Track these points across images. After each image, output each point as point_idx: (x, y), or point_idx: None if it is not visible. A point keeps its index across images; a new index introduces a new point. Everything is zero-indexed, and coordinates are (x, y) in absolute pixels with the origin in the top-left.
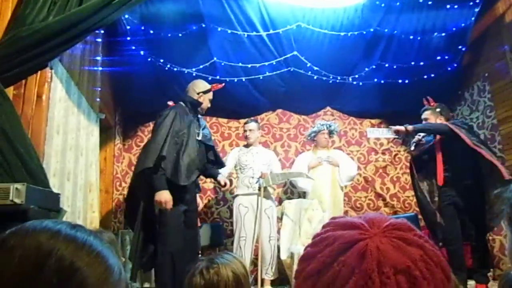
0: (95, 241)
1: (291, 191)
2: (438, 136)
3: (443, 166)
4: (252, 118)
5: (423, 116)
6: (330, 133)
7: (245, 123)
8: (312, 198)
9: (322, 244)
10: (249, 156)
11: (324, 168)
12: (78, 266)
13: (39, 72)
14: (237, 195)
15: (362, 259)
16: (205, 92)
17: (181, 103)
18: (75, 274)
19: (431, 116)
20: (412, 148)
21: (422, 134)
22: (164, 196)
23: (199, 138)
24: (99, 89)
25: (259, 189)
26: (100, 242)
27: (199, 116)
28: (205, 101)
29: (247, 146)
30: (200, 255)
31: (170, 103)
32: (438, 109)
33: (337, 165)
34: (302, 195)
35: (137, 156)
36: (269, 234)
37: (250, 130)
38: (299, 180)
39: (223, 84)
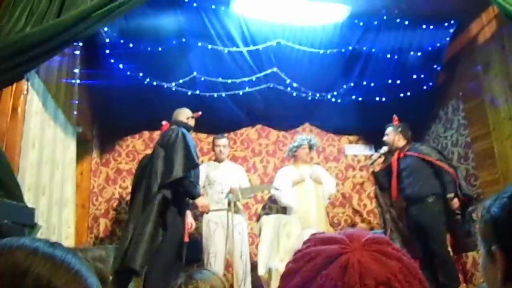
0: (74, 259)
1: (269, 207)
2: (396, 154)
3: (398, 183)
4: (224, 134)
5: (385, 132)
6: (310, 147)
7: (216, 138)
8: (298, 214)
9: (304, 259)
10: (218, 172)
11: (307, 185)
12: (56, 285)
13: (14, 84)
14: None
15: (345, 272)
16: (192, 117)
17: (183, 127)
18: None
19: (392, 133)
20: (371, 165)
21: (381, 152)
22: (206, 202)
23: None
24: (77, 102)
25: (229, 204)
26: (78, 260)
27: None
28: (193, 124)
29: (216, 161)
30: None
31: (164, 123)
32: (399, 128)
33: (320, 182)
34: (281, 210)
35: (116, 169)
36: (241, 250)
37: (223, 146)
38: (282, 196)
39: (200, 113)
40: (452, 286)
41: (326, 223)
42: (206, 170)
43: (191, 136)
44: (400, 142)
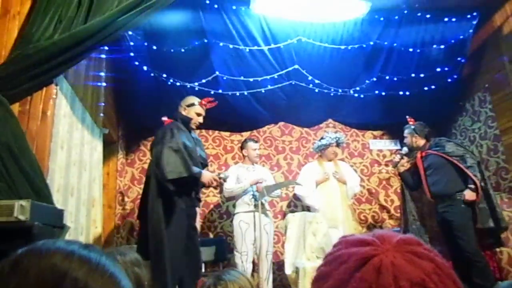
0: (108, 262)
1: (295, 204)
2: (419, 154)
3: (427, 180)
4: (253, 136)
5: (404, 133)
6: (337, 146)
7: (250, 140)
8: (324, 214)
9: (336, 262)
10: (250, 174)
11: (332, 183)
12: (92, 287)
13: (44, 89)
14: (237, 212)
15: (378, 274)
16: (189, 106)
17: (175, 121)
18: None
19: (408, 135)
20: (396, 165)
21: (402, 153)
22: (209, 174)
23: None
24: (103, 104)
25: (255, 205)
26: (112, 263)
27: (194, 133)
28: (191, 115)
29: (248, 163)
30: (203, 271)
31: (165, 118)
32: (414, 129)
33: (344, 182)
34: (306, 208)
35: (148, 168)
36: (266, 249)
37: (258, 149)
38: (306, 196)
39: (215, 102)
40: (487, 286)
41: (352, 221)
42: (237, 171)
43: (186, 133)
44: (419, 142)
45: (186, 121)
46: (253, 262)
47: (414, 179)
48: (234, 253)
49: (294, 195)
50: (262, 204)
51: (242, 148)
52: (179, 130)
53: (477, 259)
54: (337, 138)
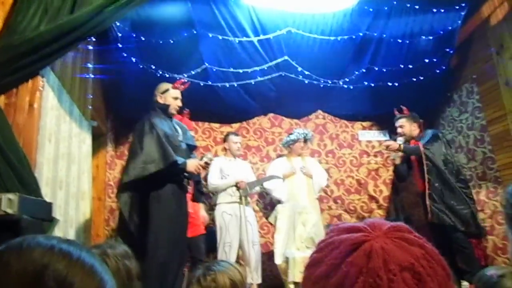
0: (88, 256)
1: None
2: (412, 144)
3: (421, 173)
4: (242, 127)
5: (398, 124)
6: (305, 141)
7: (232, 134)
8: (292, 207)
9: (328, 248)
10: (232, 166)
11: (299, 177)
12: (72, 281)
13: (30, 81)
14: (220, 203)
15: (369, 259)
16: (163, 92)
17: (152, 111)
18: (71, 287)
19: (406, 124)
20: (398, 159)
21: (399, 143)
22: (194, 162)
23: (181, 139)
24: (91, 96)
25: (240, 198)
26: (93, 256)
27: (175, 120)
28: (168, 101)
29: (230, 156)
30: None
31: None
32: (412, 117)
33: (310, 176)
34: (276, 201)
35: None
36: (252, 239)
37: (240, 142)
38: (273, 189)
39: (188, 83)
40: (473, 272)
41: (318, 214)
42: (220, 164)
43: (167, 121)
44: (415, 131)
45: (165, 108)
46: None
47: (405, 171)
48: (217, 244)
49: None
50: (245, 197)
51: (224, 141)
52: (160, 119)
53: (465, 245)
54: (304, 134)
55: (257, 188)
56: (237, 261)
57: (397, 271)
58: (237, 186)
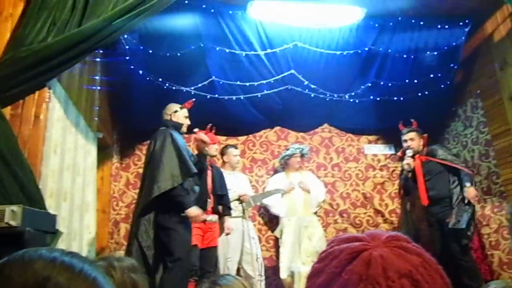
0: (91, 268)
1: (264, 213)
2: (417, 159)
3: (426, 185)
4: (249, 140)
5: (407, 137)
6: (302, 156)
7: (231, 147)
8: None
9: (329, 258)
10: (232, 179)
11: (296, 192)
12: None
13: (37, 92)
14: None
15: (368, 266)
16: (175, 112)
17: (167, 127)
18: None
19: (416, 137)
20: (408, 169)
21: (409, 155)
22: (197, 211)
23: (192, 159)
24: (97, 108)
25: (243, 212)
26: (95, 269)
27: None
28: (181, 120)
29: (229, 169)
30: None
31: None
32: (420, 131)
33: (308, 191)
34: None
35: (144, 174)
36: (256, 253)
37: (239, 155)
38: (272, 205)
39: (193, 100)
40: (474, 286)
41: (317, 227)
42: None
43: (181, 137)
44: (421, 145)
45: (179, 127)
46: (238, 269)
47: (410, 185)
48: (218, 259)
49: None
50: (247, 210)
51: (222, 154)
52: (177, 134)
53: (468, 260)
54: (300, 149)
55: (258, 202)
56: (238, 275)
57: (396, 278)
58: (239, 199)
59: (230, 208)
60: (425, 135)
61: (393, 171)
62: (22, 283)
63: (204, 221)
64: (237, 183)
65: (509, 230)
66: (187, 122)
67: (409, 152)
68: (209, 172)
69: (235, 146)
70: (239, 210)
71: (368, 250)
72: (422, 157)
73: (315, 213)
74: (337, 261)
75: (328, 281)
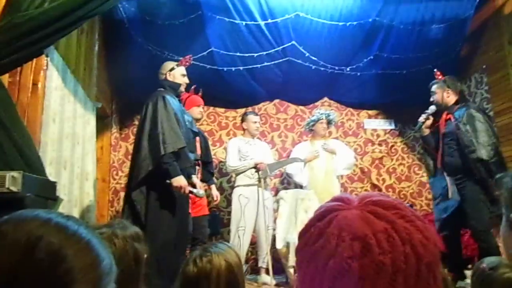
0: (86, 232)
1: (288, 182)
2: (444, 115)
3: (443, 149)
4: (251, 109)
5: (432, 89)
6: (329, 122)
7: (251, 114)
8: (309, 189)
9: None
10: (251, 147)
11: (320, 160)
12: (67, 253)
13: (34, 60)
14: (238, 186)
15: (329, 225)
16: (170, 70)
17: (161, 89)
18: (63, 260)
19: (439, 90)
20: (419, 130)
21: (428, 112)
22: (183, 181)
23: (187, 123)
24: (96, 77)
25: (259, 180)
26: (91, 232)
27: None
28: (178, 79)
29: (248, 136)
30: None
31: None
32: (445, 83)
33: (333, 152)
34: (298, 185)
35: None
36: (267, 224)
37: (259, 122)
38: (295, 174)
39: (191, 56)
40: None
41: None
42: (238, 144)
43: (176, 100)
44: (451, 98)
45: (176, 87)
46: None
47: (434, 142)
48: (230, 227)
49: (288, 174)
50: (264, 179)
51: (242, 121)
52: (172, 98)
53: (483, 238)
54: (326, 114)
55: (276, 171)
56: (251, 245)
57: (348, 239)
58: (256, 168)
59: (213, 175)
60: (458, 86)
61: (392, 146)
62: (15, 240)
63: (190, 192)
64: (257, 152)
65: (503, 198)
66: (185, 80)
67: (431, 109)
68: (197, 138)
69: (255, 113)
70: (254, 178)
71: (339, 210)
72: (449, 114)
73: (340, 177)
74: (313, 217)
75: (304, 233)
